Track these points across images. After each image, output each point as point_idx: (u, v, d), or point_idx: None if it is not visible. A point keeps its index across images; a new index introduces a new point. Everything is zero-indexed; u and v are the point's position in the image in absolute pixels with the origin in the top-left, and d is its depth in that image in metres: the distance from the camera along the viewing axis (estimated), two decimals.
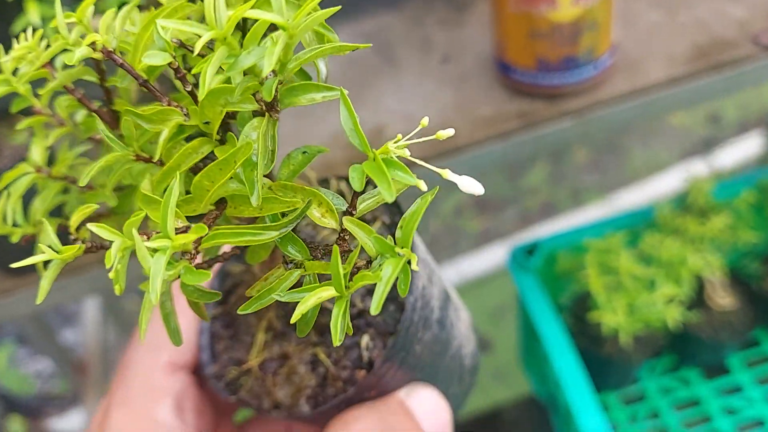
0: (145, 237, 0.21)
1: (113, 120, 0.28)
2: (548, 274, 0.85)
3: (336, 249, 0.23)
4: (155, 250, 0.20)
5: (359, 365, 0.31)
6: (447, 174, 0.24)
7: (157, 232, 0.21)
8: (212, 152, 0.24)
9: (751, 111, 2.12)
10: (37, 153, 0.28)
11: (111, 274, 0.21)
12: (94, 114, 0.27)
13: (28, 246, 0.58)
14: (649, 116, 0.64)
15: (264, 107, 0.23)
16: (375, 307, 0.22)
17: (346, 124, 0.23)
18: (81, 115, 0.29)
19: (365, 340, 0.32)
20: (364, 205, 0.25)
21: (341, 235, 0.25)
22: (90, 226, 0.22)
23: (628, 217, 0.85)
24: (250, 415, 0.39)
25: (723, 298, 0.84)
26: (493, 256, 1.94)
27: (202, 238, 0.22)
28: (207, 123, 0.24)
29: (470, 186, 0.24)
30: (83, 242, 0.24)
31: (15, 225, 0.28)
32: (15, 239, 0.28)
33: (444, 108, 0.66)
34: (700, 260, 0.76)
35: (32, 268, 0.64)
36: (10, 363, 1.83)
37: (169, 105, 0.24)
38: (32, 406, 1.66)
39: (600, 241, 0.77)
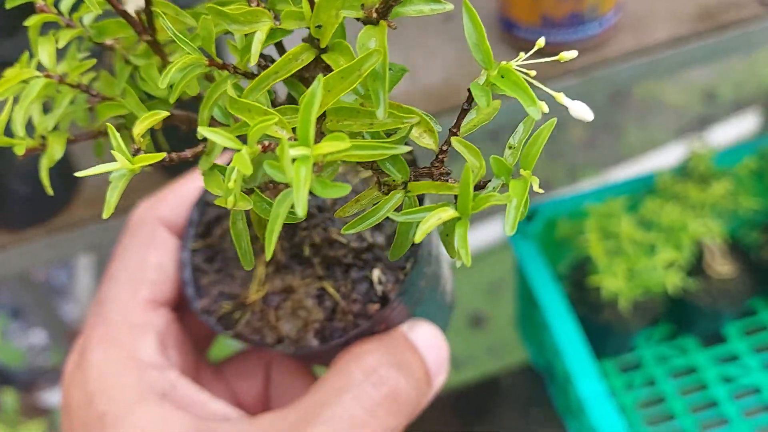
0: (259, 146, 0.20)
1: (145, 25, 0.26)
2: (547, 241, 0.84)
3: (468, 168, 0.22)
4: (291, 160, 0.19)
5: (370, 299, 0.31)
6: (561, 98, 0.23)
7: (276, 142, 0.20)
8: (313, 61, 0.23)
9: (747, 89, 2.12)
10: (45, 55, 0.25)
11: (230, 184, 0.20)
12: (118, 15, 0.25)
13: (29, 198, 0.57)
14: (654, 75, 0.64)
15: (376, 15, 0.22)
16: (510, 227, 0.22)
17: (470, 37, 0.22)
18: (90, 17, 0.27)
19: (376, 273, 0.31)
20: (465, 126, 0.25)
21: (439, 157, 0.24)
22: (203, 130, 0.20)
23: (628, 183, 0.84)
24: (227, 354, 0.38)
25: (722, 266, 0.83)
26: (489, 233, 1.93)
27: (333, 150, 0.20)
28: (319, 27, 0.22)
29: (582, 111, 0.23)
30: (145, 152, 0.23)
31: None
32: (20, 152, 0.26)
33: (447, 65, 0.65)
34: (701, 226, 0.76)
35: (29, 223, 0.62)
36: (3, 336, 1.82)
37: (258, 5, 0.23)
38: (25, 379, 1.66)
39: (601, 205, 0.76)
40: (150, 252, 0.34)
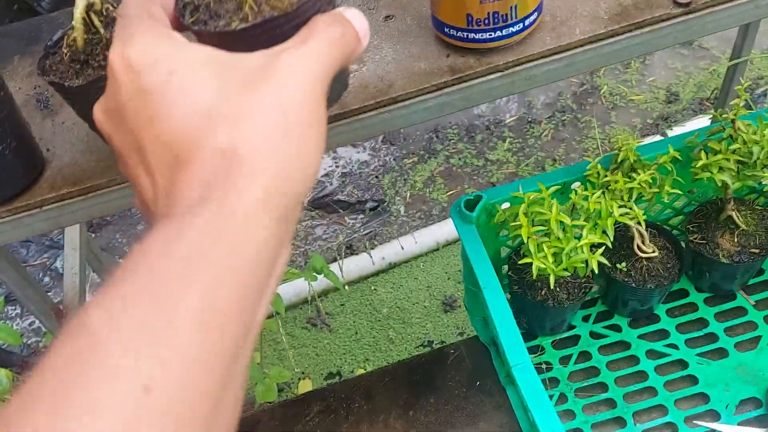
0: None
1: None
2: (489, 226, 0.90)
3: None
4: None
5: None
6: None
7: None
8: None
9: (706, 89, 2.19)
10: None
11: None
12: None
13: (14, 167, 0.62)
14: (574, 72, 0.69)
15: None
16: None
17: None
18: None
19: None
20: None
21: None
22: None
23: (563, 171, 0.91)
24: None
25: (650, 249, 0.90)
26: None
27: None
28: None
29: None
30: None
31: None
32: None
33: (383, 62, 0.70)
34: (625, 211, 0.82)
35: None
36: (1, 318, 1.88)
37: None
38: (20, 360, 1.72)
39: (533, 193, 0.83)
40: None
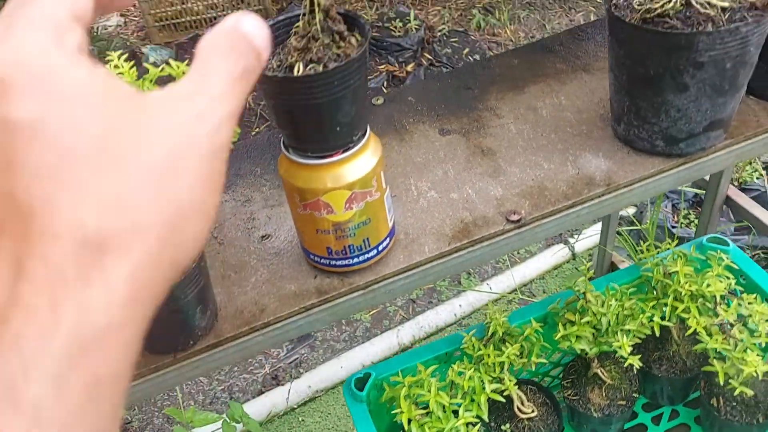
0: None
1: None
2: (380, 402, 0.97)
3: None
4: None
5: None
6: None
7: None
8: None
9: None
10: None
11: None
12: None
13: None
14: (426, 283, 0.78)
15: None
16: None
17: None
18: None
19: None
20: None
21: None
22: None
23: (445, 341, 0.99)
24: None
25: (529, 409, 0.98)
26: (387, 343, 2.07)
27: None
28: None
29: None
30: None
31: None
32: None
33: (258, 284, 0.78)
34: (498, 385, 0.90)
35: None
36: None
37: None
38: None
39: (411, 377, 0.90)
40: None
